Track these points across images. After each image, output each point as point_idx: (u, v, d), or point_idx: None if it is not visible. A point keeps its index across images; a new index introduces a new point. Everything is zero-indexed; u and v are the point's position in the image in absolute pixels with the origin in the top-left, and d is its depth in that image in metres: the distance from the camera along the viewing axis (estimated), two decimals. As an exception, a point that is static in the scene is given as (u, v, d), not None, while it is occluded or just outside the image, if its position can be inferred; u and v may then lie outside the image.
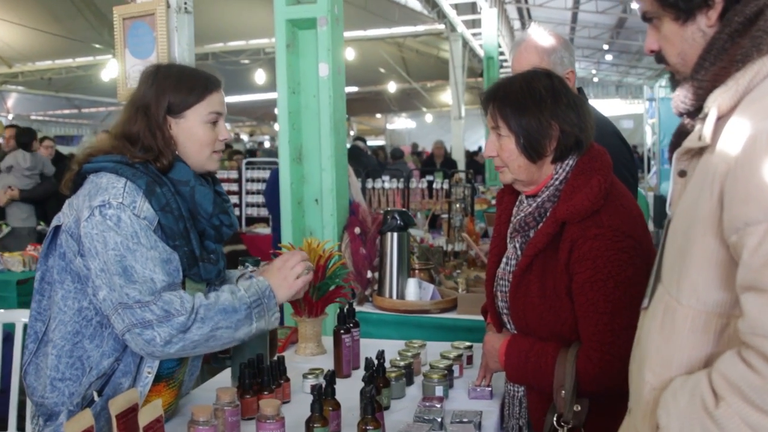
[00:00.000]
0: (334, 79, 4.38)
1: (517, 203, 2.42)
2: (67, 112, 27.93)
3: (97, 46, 16.06)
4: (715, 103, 1.41)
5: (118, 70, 4.41)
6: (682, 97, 1.54)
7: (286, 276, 2.40)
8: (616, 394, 2.14)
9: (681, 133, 1.58)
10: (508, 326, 2.42)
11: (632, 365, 1.62)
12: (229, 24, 14.98)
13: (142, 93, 2.33)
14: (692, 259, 1.39)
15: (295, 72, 4.45)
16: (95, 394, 2.20)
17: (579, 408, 2.16)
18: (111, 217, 2.12)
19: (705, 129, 1.41)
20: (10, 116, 24.91)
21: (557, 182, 2.27)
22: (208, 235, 2.35)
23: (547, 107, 2.22)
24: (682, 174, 1.52)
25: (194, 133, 2.33)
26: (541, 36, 3.20)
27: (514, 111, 2.24)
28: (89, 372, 2.19)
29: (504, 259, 2.41)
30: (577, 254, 2.15)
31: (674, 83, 1.62)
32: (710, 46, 1.48)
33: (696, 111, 1.50)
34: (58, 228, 2.26)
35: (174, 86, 2.31)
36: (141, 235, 2.14)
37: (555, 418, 2.18)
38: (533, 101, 2.23)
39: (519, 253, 2.34)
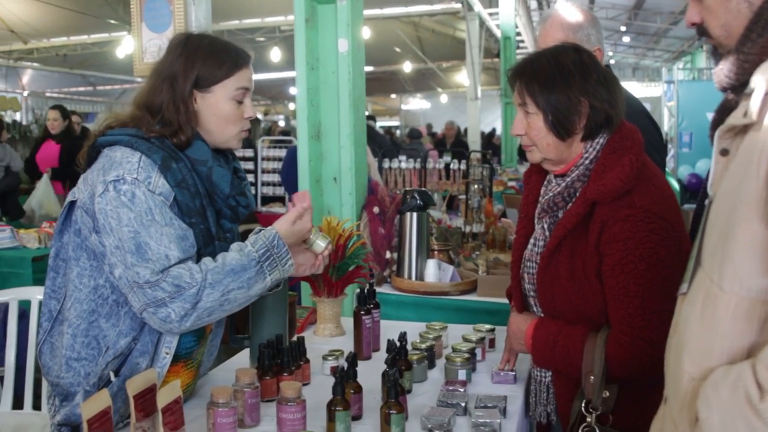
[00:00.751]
0: (354, 55, 4.31)
1: (545, 183, 2.36)
2: (82, 89, 27.91)
3: (113, 21, 15.98)
4: (763, 78, 1.33)
5: (134, 44, 4.36)
6: (726, 71, 1.47)
7: (304, 226, 2.29)
8: (647, 380, 2.09)
9: (724, 110, 1.50)
10: (535, 309, 2.36)
11: (669, 353, 1.55)
12: (244, 1, 14.87)
13: (169, 62, 2.26)
14: (736, 243, 1.32)
15: (314, 47, 4.38)
16: (112, 375, 2.14)
17: (608, 394, 2.10)
18: (125, 192, 2.06)
19: (752, 105, 1.33)
20: (26, 93, 24.91)
21: (587, 161, 2.20)
22: (224, 214, 2.29)
23: (576, 83, 2.15)
24: (724, 153, 1.44)
25: (220, 109, 2.26)
26: (568, 11, 3.12)
27: (541, 87, 2.18)
28: (105, 352, 2.14)
29: (531, 240, 2.35)
30: (608, 235, 2.09)
31: (717, 57, 1.54)
32: (757, 17, 1.40)
33: (741, 86, 1.43)
34: (73, 204, 2.20)
35: (204, 59, 2.23)
36: (156, 211, 2.08)
37: (583, 405, 2.12)
38: (561, 77, 2.16)
39: (547, 234, 2.28)
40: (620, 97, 2.22)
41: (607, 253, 2.10)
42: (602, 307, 2.13)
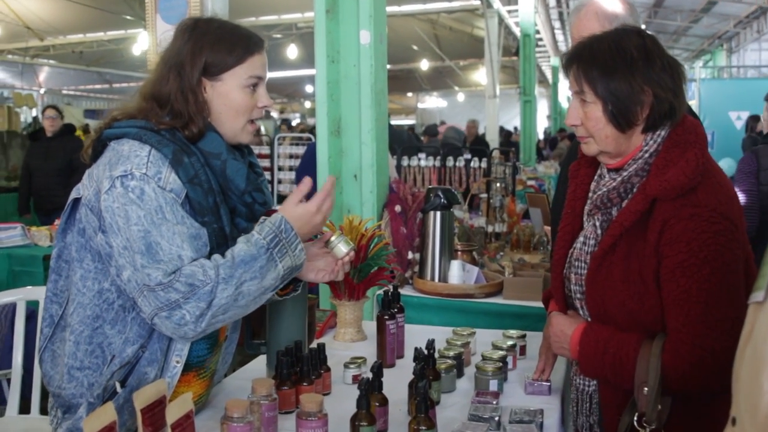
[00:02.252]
0: (376, 48, 4.16)
1: (596, 177, 2.20)
2: (98, 86, 27.95)
3: (128, 18, 15.95)
4: None
5: (149, 37, 4.24)
6: None
7: (306, 208, 2.09)
8: (704, 395, 1.94)
9: None
10: (581, 313, 2.18)
11: (741, 369, 1.38)
12: (261, -2, 14.82)
13: (176, 49, 2.09)
14: None
15: (334, 39, 4.23)
16: (118, 385, 1.99)
17: (660, 408, 1.94)
18: (134, 189, 1.90)
19: None
20: (42, 90, 24.96)
21: (647, 155, 2.04)
22: (239, 212, 2.12)
23: (639, 70, 1.98)
24: None
25: (231, 99, 2.09)
26: (604, 0, 2.96)
27: (602, 74, 2.00)
28: (111, 360, 1.99)
29: (581, 239, 2.18)
30: (669, 235, 1.93)
31: None
32: None
33: None
34: (77, 201, 2.05)
35: (212, 44, 2.07)
36: (166, 209, 1.92)
37: (636, 418, 1.95)
38: (624, 63, 1.98)
39: (599, 232, 2.11)
40: (684, 86, 2.06)
41: (668, 255, 1.94)
42: (658, 314, 1.97)
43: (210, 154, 2.05)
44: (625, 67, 1.98)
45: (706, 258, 1.89)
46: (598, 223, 2.13)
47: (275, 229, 1.99)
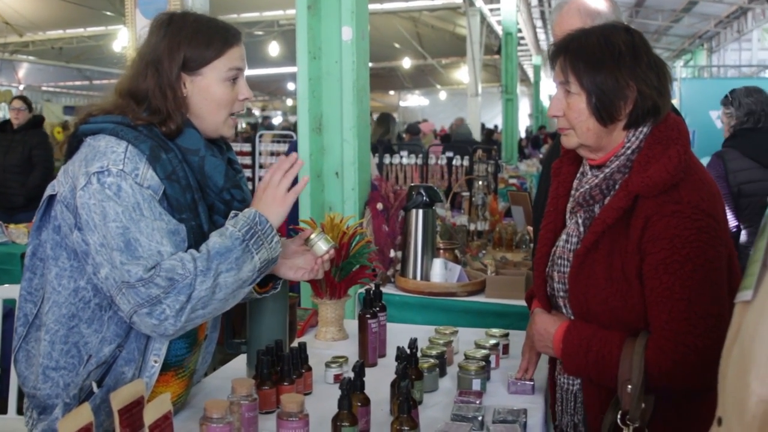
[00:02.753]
0: (358, 44, 4.12)
1: (579, 175, 2.18)
2: (78, 83, 27.77)
3: (109, 14, 15.83)
4: None
5: (129, 33, 4.20)
6: None
7: (274, 195, 2.06)
8: (687, 392, 1.93)
9: None
10: (564, 311, 2.16)
11: (727, 368, 1.36)
12: (243, -6, 14.76)
13: (152, 45, 2.05)
14: None
15: (316, 36, 4.19)
16: (94, 385, 1.95)
17: (644, 406, 1.92)
18: (110, 185, 1.86)
19: None
20: (21, 87, 24.76)
21: (629, 151, 2.03)
22: (218, 209, 2.08)
23: (626, 65, 1.97)
24: None
25: (212, 92, 2.05)
26: (586, -4, 2.94)
27: (588, 66, 1.99)
28: (87, 360, 1.95)
29: (563, 236, 2.16)
30: (652, 232, 1.92)
31: None
32: None
33: None
34: (52, 198, 2.01)
35: (190, 39, 2.03)
36: (144, 206, 1.88)
37: (619, 416, 1.94)
38: (611, 57, 1.98)
39: (582, 229, 2.10)
40: (669, 85, 2.05)
41: (651, 252, 1.93)
42: (641, 311, 1.96)
43: (188, 150, 2.02)
44: (612, 62, 1.98)
45: (689, 255, 1.88)
46: (580, 221, 2.12)
47: (250, 221, 1.96)
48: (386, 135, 8.69)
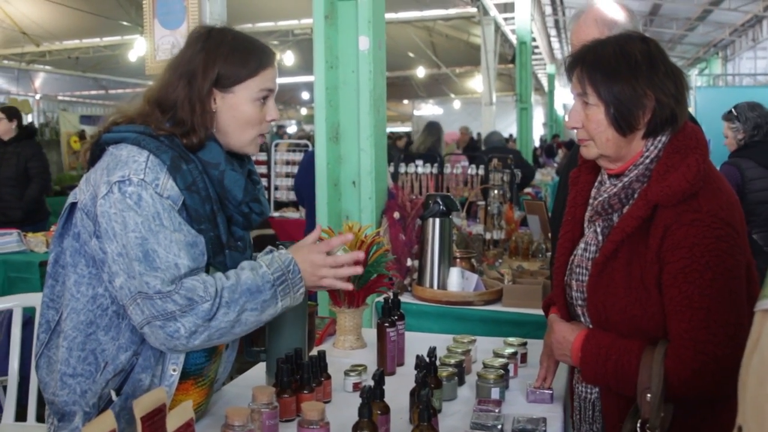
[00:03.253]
0: (375, 54, 4.15)
1: (597, 184, 2.18)
2: (94, 92, 27.89)
3: (125, 23, 15.91)
4: None
5: (147, 42, 4.22)
6: None
7: (319, 265, 2.08)
8: (706, 401, 1.93)
9: None
10: (582, 320, 2.16)
11: (747, 377, 1.36)
12: (258, 5, 14.78)
13: (188, 57, 2.06)
14: None
15: (333, 45, 4.22)
16: (113, 393, 1.97)
17: (662, 414, 1.91)
18: (131, 194, 1.88)
19: None
20: (38, 96, 24.89)
21: (647, 160, 2.03)
22: (236, 221, 2.11)
23: (643, 74, 1.97)
24: None
25: (241, 111, 2.07)
26: (604, 6, 2.95)
27: (605, 77, 1.99)
28: (104, 367, 1.97)
29: (582, 245, 2.17)
30: (671, 241, 1.92)
31: None
32: None
33: None
34: (73, 205, 2.03)
35: (227, 56, 2.04)
36: (164, 216, 1.90)
37: (639, 425, 1.93)
38: (627, 67, 1.98)
39: (600, 238, 2.10)
40: (687, 93, 2.05)
41: (670, 261, 1.92)
42: (660, 320, 1.96)
43: (208, 163, 2.03)
44: (629, 71, 1.98)
45: (708, 264, 1.88)
46: (599, 230, 2.12)
47: (284, 267, 2.00)
48: (437, 144, 8.63)
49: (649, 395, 1.91)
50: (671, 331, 1.93)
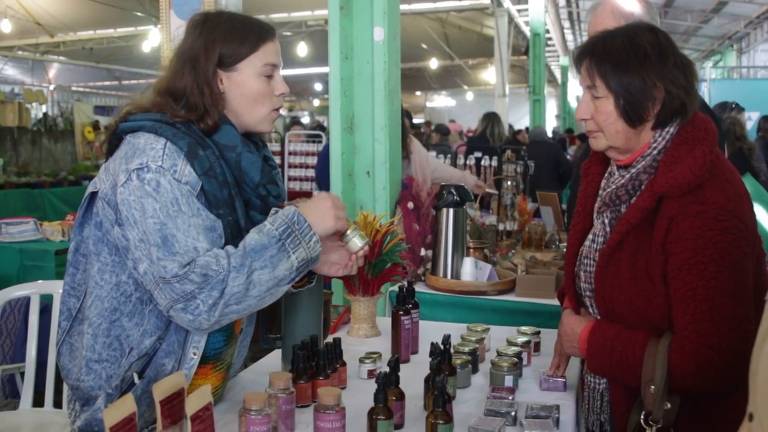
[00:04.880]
0: (390, 44, 4.15)
1: (606, 175, 2.18)
2: (107, 83, 28.00)
3: (139, 14, 15.95)
4: None
5: (162, 33, 4.25)
6: None
7: (323, 208, 2.11)
8: (714, 393, 1.92)
9: None
10: (591, 311, 2.17)
11: (758, 365, 1.37)
12: (272, -5, 14.82)
13: (189, 44, 2.10)
14: None
15: (348, 36, 4.22)
16: (135, 376, 2.00)
17: (669, 406, 1.92)
18: (150, 181, 1.91)
19: None
20: (52, 87, 25.00)
21: (655, 151, 2.02)
22: (254, 205, 2.13)
23: (653, 65, 1.96)
24: None
25: (249, 88, 2.10)
26: (622, -2, 2.95)
27: (614, 68, 1.99)
28: (129, 353, 2.00)
29: (590, 236, 2.17)
30: (676, 233, 1.91)
31: None
32: None
33: None
34: (94, 195, 2.05)
35: (225, 36, 2.08)
36: (182, 201, 1.93)
37: (643, 417, 1.94)
38: (637, 58, 1.97)
39: (608, 229, 2.10)
40: (696, 84, 2.04)
41: (674, 252, 1.92)
42: (665, 312, 1.95)
43: (225, 146, 2.06)
44: (638, 63, 1.97)
45: (713, 256, 1.87)
46: (606, 221, 2.12)
47: (287, 220, 2.00)
48: (498, 136, 8.86)
49: (652, 387, 1.91)
50: (675, 323, 1.92)
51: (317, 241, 2.04)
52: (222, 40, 2.08)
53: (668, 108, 1.98)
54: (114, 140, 2.09)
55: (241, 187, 2.09)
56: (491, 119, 9.44)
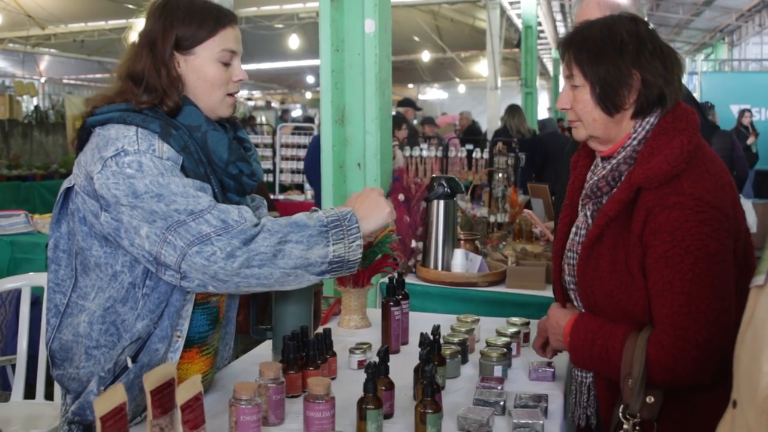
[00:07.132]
0: (381, 37, 4.16)
1: (592, 167, 2.17)
2: (99, 76, 27.87)
3: (131, 6, 15.88)
4: None
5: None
6: None
7: (377, 200, 2.16)
8: (697, 386, 1.91)
9: None
10: (576, 303, 2.17)
11: (741, 351, 1.39)
12: (263, -12, 14.78)
13: (149, 28, 2.09)
14: None
15: (339, 28, 4.23)
16: (129, 360, 1.99)
17: (652, 400, 1.92)
18: (130, 164, 1.90)
19: None
20: (43, 79, 24.89)
21: (635, 142, 2.01)
22: (228, 186, 2.12)
23: (629, 54, 1.96)
24: None
25: (205, 72, 2.09)
26: (607, -11, 2.95)
27: (590, 57, 1.99)
28: (123, 336, 2.00)
29: (573, 229, 2.17)
30: (653, 225, 1.90)
31: None
32: None
33: None
34: (69, 190, 2.05)
35: (182, 19, 2.06)
36: (168, 173, 1.92)
37: (621, 410, 1.94)
38: (613, 46, 1.97)
39: (590, 222, 2.10)
40: (678, 74, 2.02)
41: (652, 245, 1.90)
42: (646, 304, 1.93)
43: (190, 127, 2.06)
44: (614, 50, 1.96)
45: (689, 248, 1.85)
46: (589, 213, 2.12)
47: (341, 215, 2.04)
48: (515, 129, 8.92)
49: (630, 381, 1.90)
50: (654, 317, 1.91)
51: (360, 246, 2.05)
52: (180, 22, 2.06)
53: (645, 97, 1.97)
54: (83, 135, 2.08)
55: (213, 167, 2.08)
56: (510, 112, 9.53)
